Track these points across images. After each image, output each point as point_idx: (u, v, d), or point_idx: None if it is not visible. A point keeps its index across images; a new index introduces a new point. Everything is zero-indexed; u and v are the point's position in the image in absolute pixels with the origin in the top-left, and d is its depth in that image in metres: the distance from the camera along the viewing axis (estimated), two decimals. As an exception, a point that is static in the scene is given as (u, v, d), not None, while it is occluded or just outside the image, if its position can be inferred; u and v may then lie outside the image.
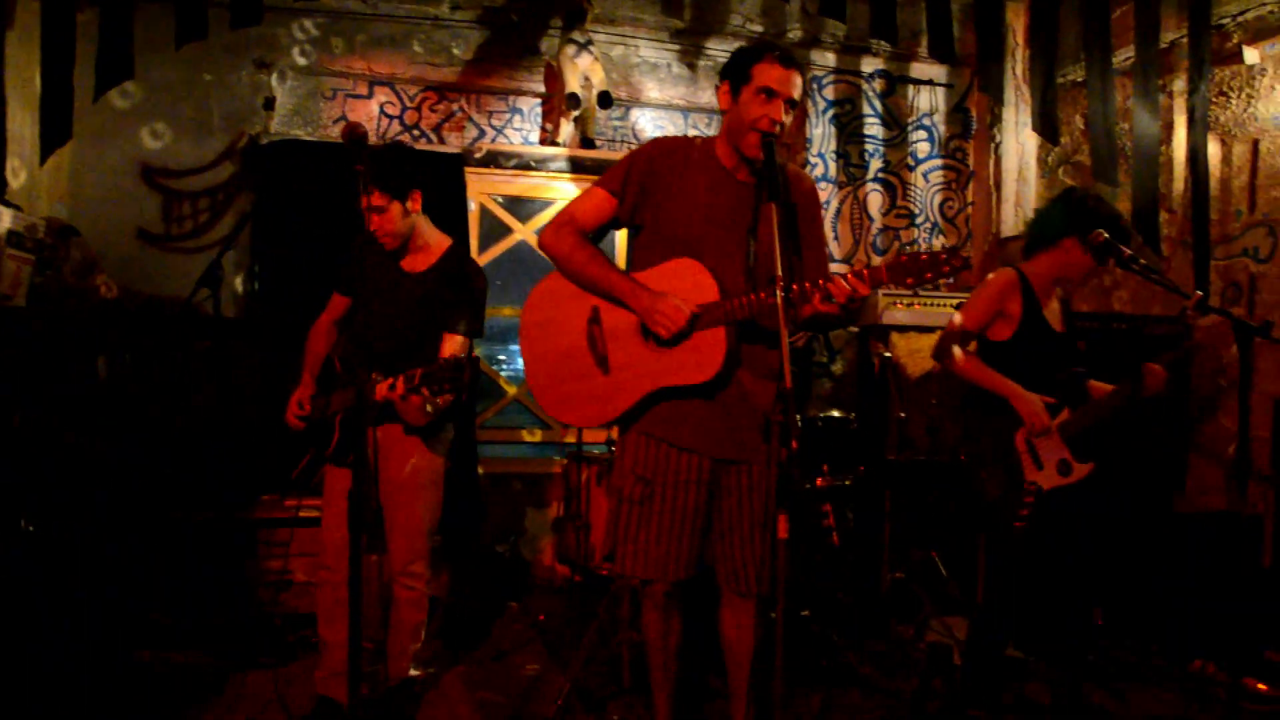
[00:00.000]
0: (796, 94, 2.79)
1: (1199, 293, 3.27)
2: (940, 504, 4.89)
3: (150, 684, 3.83)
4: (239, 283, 5.33)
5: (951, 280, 2.97)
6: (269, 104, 5.36)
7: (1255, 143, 4.82)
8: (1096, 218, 3.31)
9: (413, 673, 3.55)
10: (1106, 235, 3.25)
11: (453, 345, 3.35)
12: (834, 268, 6.32)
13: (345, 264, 3.57)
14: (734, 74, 2.83)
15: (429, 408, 3.23)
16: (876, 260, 6.17)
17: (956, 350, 3.40)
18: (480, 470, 5.44)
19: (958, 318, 3.43)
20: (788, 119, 2.79)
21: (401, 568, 3.42)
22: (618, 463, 2.96)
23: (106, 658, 3.85)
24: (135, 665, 3.96)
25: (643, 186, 2.90)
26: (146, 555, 4.22)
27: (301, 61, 5.48)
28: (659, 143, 2.99)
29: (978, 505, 3.42)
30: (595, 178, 5.95)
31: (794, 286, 2.62)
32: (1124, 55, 5.24)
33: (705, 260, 2.80)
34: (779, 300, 2.47)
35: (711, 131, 5.84)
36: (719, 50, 5.96)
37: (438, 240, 3.53)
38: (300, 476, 3.49)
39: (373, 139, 5.53)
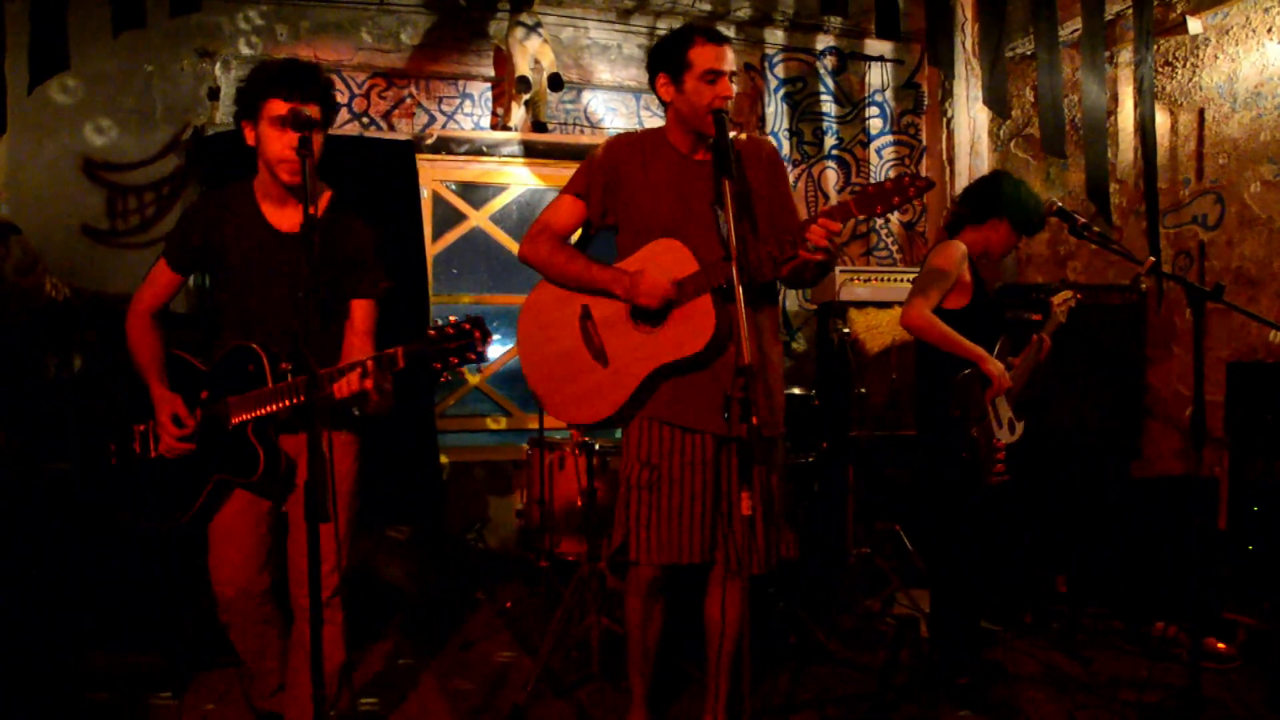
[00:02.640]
0: (734, 66, 2.86)
1: (1152, 258, 3.33)
2: (906, 476, 4.92)
3: (109, 685, 3.75)
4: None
5: (919, 200, 3.10)
6: (213, 94, 5.25)
7: (1201, 112, 4.88)
8: (1023, 205, 3.58)
9: None
10: (1060, 204, 3.41)
11: (366, 313, 2.83)
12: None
13: (184, 232, 2.81)
14: (670, 64, 2.88)
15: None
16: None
17: (928, 311, 3.49)
18: (444, 460, 5.40)
19: (923, 289, 3.54)
20: (734, 90, 2.85)
21: (323, 599, 2.60)
22: (625, 451, 2.98)
23: (61, 660, 3.77)
24: (90, 667, 3.87)
25: (607, 185, 2.96)
26: (96, 555, 4.11)
27: (246, 50, 5.36)
28: (614, 142, 3.04)
29: (965, 462, 3.49)
30: (548, 161, 5.95)
31: (775, 248, 2.74)
32: (1071, 28, 5.28)
33: (682, 240, 2.85)
34: (734, 272, 2.52)
35: (662, 112, 5.84)
36: (669, 30, 5.91)
37: (320, 188, 2.85)
38: (199, 514, 2.75)
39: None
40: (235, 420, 2.65)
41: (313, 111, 2.54)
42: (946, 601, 3.66)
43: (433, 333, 2.41)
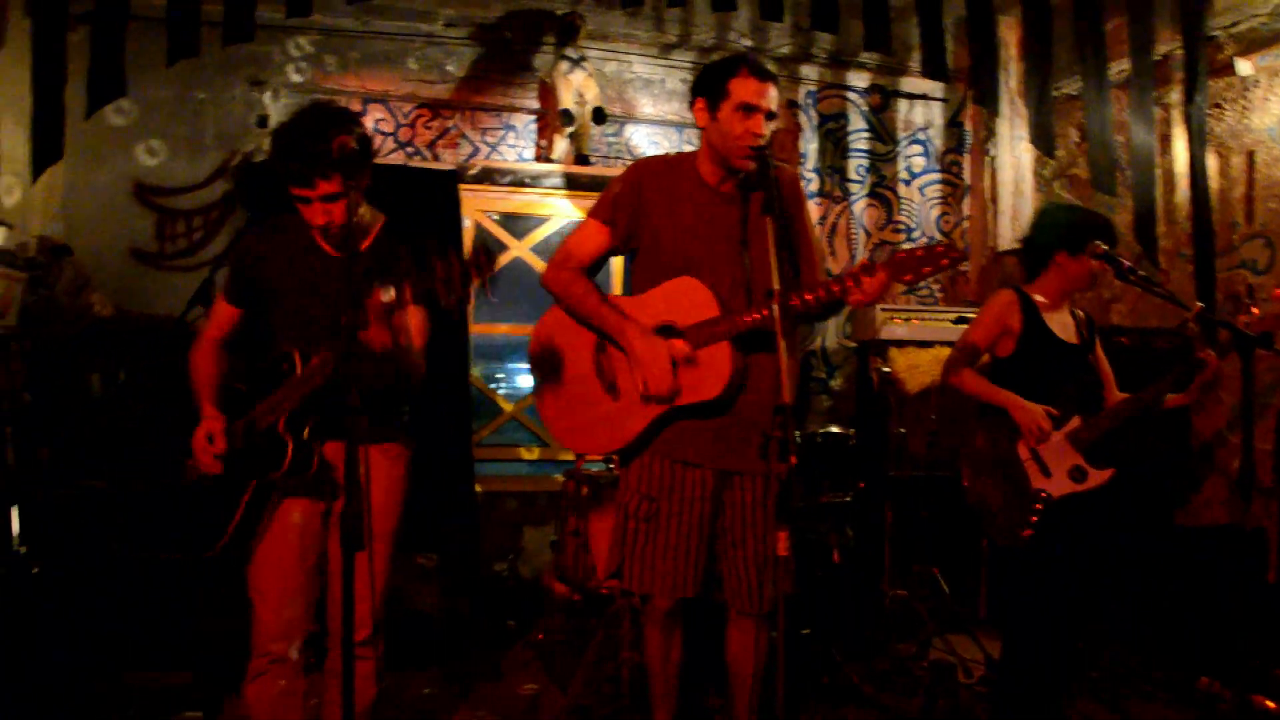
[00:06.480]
0: (774, 106, 2.79)
1: (1200, 304, 3.26)
2: (939, 519, 4.85)
3: (141, 706, 3.77)
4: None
5: (950, 270, 2.98)
6: (262, 122, 5.34)
7: (1251, 154, 4.81)
8: (1073, 227, 3.40)
9: None
10: (1105, 247, 3.29)
11: (417, 317, 2.74)
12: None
13: (238, 267, 2.88)
14: (709, 90, 2.83)
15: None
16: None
17: (959, 369, 3.45)
18: (478, 489, 5.40)
19: (964, 338, 3.50)
20: (768, 130, 2.78)
21: (362, 633, 2.66)
22: (623, 481, 2.94)
23: (93, 681, 3.78)
24: (122, 688, 3.89)
25: (633, 211, 2.92)
26: (128, 574, 4.11)
27: (295, 79, 5.45)
28: (643, 165, 3.00)
29: (978, 516, 3.41)
30: (590, 194, 5.96)
31: (796, 300, 2.63)
32: (1117, 68, 5.23)
33: (703, 276, 2.80)
34: (776, 315, 2.46)
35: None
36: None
37: (372, 216, 2.89)
38: (234, 540, 2.66)
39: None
40: (267, 420, 2.63)
41: (332, 186, 2.64)
42: (1005, 649, 3.55)
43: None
